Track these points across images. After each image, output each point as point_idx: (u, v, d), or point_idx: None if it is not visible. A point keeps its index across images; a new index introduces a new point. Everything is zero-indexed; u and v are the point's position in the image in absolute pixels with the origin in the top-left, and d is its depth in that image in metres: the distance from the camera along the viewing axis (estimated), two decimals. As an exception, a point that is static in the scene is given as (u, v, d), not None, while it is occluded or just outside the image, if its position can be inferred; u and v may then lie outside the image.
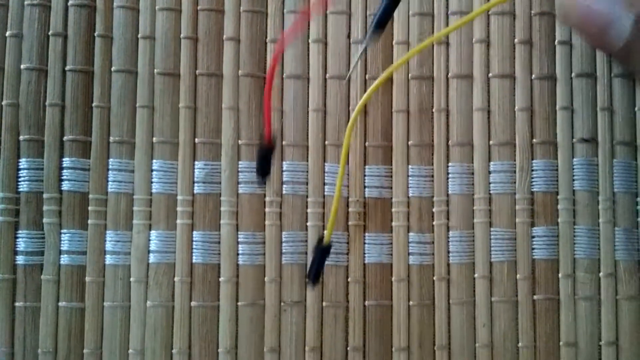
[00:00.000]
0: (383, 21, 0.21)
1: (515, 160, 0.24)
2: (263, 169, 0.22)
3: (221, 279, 0.23)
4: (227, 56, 0.24)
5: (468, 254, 0.24)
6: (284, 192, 0.24)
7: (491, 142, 0.24)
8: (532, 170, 0.24)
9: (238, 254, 0.23)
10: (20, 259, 0.23)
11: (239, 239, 0.24)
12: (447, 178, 0.24)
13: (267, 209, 0.24)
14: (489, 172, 0.24)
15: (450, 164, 0.24)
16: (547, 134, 0.24)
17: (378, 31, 0.22)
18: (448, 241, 0.24)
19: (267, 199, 0.24)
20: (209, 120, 0.24)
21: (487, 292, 0.24)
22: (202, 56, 0.24)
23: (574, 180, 0.24)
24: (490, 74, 0.24)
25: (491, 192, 0.24)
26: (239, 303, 0.23)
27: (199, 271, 0.23)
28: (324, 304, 0.23)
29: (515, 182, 0.24)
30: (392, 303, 0.24)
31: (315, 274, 0.22)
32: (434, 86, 0.24)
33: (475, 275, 0.24)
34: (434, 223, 0.24)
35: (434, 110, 0.24)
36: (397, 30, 0.24)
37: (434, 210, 0.24)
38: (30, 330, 0.23)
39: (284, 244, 0.24)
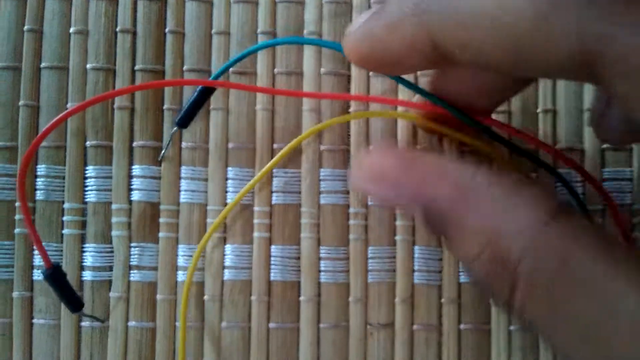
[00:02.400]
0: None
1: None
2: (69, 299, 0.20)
3: (301, 298, 0.21)
4: (308, 54, 0.22)
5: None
6: (369, 202, 0.22)
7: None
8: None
9: (320, 271, 0.21)
10: (87, 275, 0.21)
11: (321, 255, 0.21)
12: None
13: (351, 222, 0.22)
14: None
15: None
16: None
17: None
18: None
19: (352, 210, 0.22)
20: (288, 123, 0.22)
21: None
22: (281, 54, 0.22)
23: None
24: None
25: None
26: (321, 325, 0.21)
27: (278, 289, 0.21)
28: (414, 326, 0.21)
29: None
30: (490, 327, 0.21)
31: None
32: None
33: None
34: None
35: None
36: None
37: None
38: (97, 351, 0.21)
39: (370, 260, 0.21)
